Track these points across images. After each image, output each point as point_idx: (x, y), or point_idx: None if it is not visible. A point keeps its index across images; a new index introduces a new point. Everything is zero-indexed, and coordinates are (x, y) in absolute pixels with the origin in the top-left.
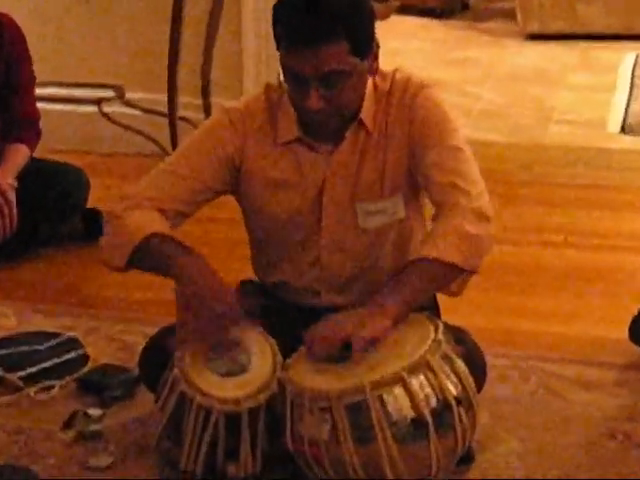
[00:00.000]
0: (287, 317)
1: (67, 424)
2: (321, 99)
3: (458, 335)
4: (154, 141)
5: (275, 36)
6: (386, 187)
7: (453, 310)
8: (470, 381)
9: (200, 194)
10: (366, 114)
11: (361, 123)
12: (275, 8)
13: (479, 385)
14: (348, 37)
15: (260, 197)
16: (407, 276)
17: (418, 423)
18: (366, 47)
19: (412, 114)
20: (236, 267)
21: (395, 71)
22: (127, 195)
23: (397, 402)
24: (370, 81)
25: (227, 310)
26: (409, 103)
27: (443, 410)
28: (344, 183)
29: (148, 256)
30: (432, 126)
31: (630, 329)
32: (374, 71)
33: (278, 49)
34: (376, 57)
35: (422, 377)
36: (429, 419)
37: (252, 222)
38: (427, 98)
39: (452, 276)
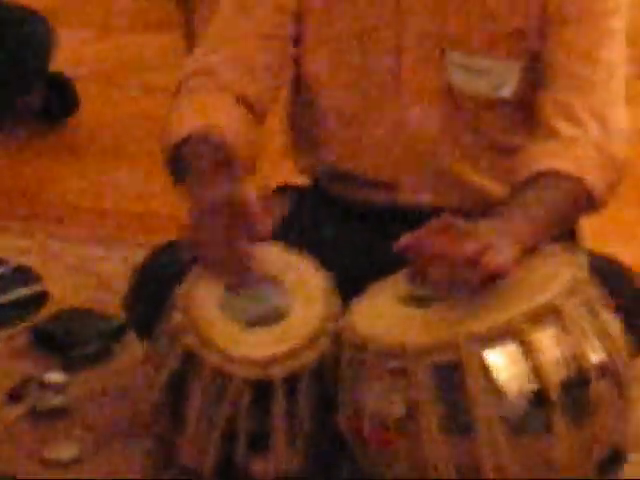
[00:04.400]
0: (345, 234)
1: (14, 395)
2: None
3: (615, 274)
4: None
5: None
6: (501, 38)
7: (603, 238)
8: (622, 346)
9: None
10: None
11: None
12: None
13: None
14: None
15: (316, 20)
16: (536, 191)
17: (540, 402)
18: None
19: None
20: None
21: None
22: (195, 59)
23: (509, 367)
24: None
25: (252, 208)
26: None
27: (578, 384)
28: (432, 10)
29: (180, 164)
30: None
31: None
32: None
33: None
34: None
35: (550, 331)
36: (556, 397)
37: (303, 67)
38: None
39: (582, 206)
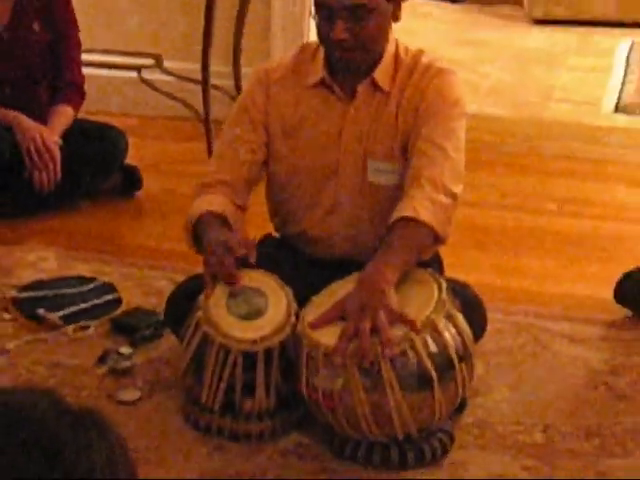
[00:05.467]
0: (300, 268)
1: (100, 360)
2: (346, 31)
3: (461, 290)
4: (188, 106)
5: None
6: (397, 150)
7: (453, 267)
8: (470, 336)
9: (258, 162)
10: (381, 75)
11: (374, 83)
12: None
13: (479, 336)
14: None
15: (281, 143)
16: (396, 239)
17: (424, 378)
18: None
19: (426, 93)
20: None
21: (421, 52)
22: (205, 175)
23: (406, 360)
24: (391, 48)
25: (241, 242)
26: (426, 83)
27: (446, 366)
28: (359, 137)
29: (199, 235)
30: (439, 105)
31: (615, 290)
32: (397, 18)
33: None
34: (399, 5)
35: (428, 337)
36: (434, 375)
37: (274, 172)
38: (443, 81)
39: (428, 241)
